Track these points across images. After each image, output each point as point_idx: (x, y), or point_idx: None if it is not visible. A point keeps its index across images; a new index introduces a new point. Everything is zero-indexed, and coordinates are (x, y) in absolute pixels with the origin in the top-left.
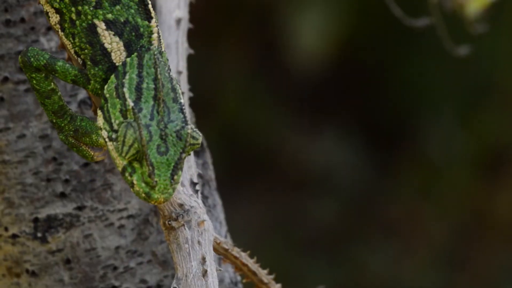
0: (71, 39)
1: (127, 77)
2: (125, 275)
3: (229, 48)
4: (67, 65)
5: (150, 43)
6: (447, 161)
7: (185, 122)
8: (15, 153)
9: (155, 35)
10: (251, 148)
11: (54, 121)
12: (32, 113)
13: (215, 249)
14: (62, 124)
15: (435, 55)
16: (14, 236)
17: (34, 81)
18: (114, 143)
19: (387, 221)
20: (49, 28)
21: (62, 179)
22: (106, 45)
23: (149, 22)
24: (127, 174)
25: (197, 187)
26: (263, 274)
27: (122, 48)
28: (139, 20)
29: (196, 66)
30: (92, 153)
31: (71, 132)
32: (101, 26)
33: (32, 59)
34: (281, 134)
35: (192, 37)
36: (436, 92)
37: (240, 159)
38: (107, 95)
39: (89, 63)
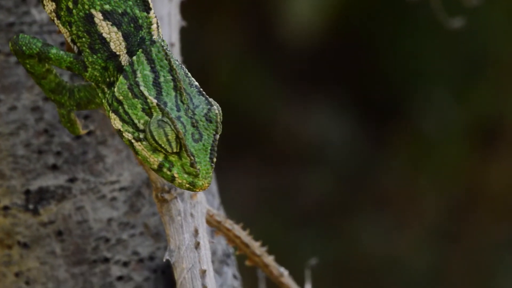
0: (67, 27)
1: (139, 75)
2: (117, 247)
3: (222, 20)
4: (61, 52)
5: (150, 34)
6: (441, 134)
7: (209, 103)
8: (6, 125)
9: (154, 26)
10: (244, 121)
11: (53, 98)
12: (24, 85)
13: (207, 222)
14: (62, 101)
15: (429, 27)
16: (5, 208)
17: (28, 66)
18: (144, 142)
19: (380, 195)
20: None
21: (53, 151)
22: (105, 35)
23: (148, 13)
24: (165, 170)
25: None
26: (255, 246)
27: (121, 38)
28: (137, 11)
29: (189, 39)
30: (81, 131)
31: (74, 107)
32: (98, 16)
33: (24, 48)
34: (275, 108)
35: (185, 9)
36: (430, 65)
37: (233, 132)
38: (121, 98)
39: (87, 50)
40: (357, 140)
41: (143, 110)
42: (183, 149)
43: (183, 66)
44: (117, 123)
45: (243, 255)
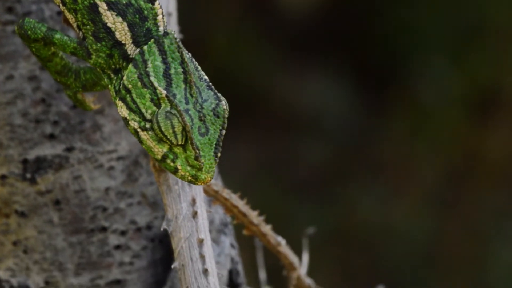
0: (73, 14)
1: (150, 65)
2: (115, 216)
3: None
4: (65, 37)
5: (156, 25)
6: (438, 101)
7: (218, 98)
8: (3, 94)
9: (160, 17)
10: (241, 89)
11: (59, 80)
12: (21, 54)
13: (205, 191)
14: (68, 82)
15: None
16: (3, 177)
17: (34, 49)
18: (150, 132)
19: (377, 162)
20: None
21: (51, 121)
22: (109, 25)
23: (153, 4)
24: (169, 161)
25: None
26: (253, 215)
27: (127, 28)
28: (142, 2)
29: (186, 8)
30: (93, 106)
31: (79, 89)
32: (102, 6)
33: (29, 32)
34: (272, 76)
35: None
36: (428, 32)
37: (230, 100)
38: (129, 86)
39: (90, 38)
40: (354, 108)
41: (152, 100)
42: (189, 142)
43: (194, 60)
44: (123, 111)
45: (240, 225)
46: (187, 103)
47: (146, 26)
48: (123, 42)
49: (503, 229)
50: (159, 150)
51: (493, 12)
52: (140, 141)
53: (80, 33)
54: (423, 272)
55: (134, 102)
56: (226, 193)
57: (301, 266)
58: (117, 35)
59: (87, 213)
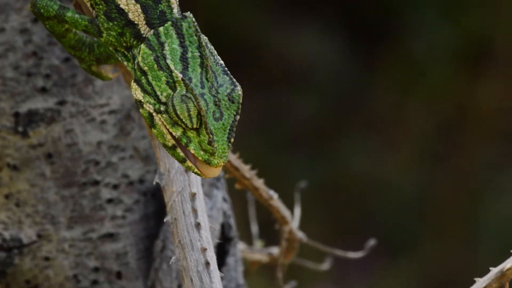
0: None
1: (167, 47)
2: (107, 170)
3: None
4: (77, 15)
5: (169, 7)
6: (431, 55)
7: (234, 83)
8: None
9: (173, 0)
10: (233, 44)
11: (73, 54)
12: (12, 6)
13: None
14: (82, 56)
15: None
16: None
17: (48, 26)
18: (164, 115)
19: (369, 116)
20: None
21: (42, 74)
22: (122, 6)
23: None
24: (178, 150)
25: None
26: (245, 169)
27: (140, 10)
28: None
29: None
30: (110, 75)
31: (94, 62)
32: None
33: (42, 11)
34: (265, 30)
35: None
36: None
37: (222, 55)
38: (145, 68)
39: (102, 17)
40: (347, 62)
41: (167, 83)
42: (203, 126)
43: (210, 44)
44: (138, 94)
45: (232, 179)
46: (202, 87)
47: (159, 8)
48: (136, 22)
49: (495, 182)
50: (174, 133)
51: None
52: (153, 125)
53: (93, 12)
54: (415, 225)
55: (149, 84)
56: None
57: (293, 220)
58: (130, 15)
59: (79, 166)
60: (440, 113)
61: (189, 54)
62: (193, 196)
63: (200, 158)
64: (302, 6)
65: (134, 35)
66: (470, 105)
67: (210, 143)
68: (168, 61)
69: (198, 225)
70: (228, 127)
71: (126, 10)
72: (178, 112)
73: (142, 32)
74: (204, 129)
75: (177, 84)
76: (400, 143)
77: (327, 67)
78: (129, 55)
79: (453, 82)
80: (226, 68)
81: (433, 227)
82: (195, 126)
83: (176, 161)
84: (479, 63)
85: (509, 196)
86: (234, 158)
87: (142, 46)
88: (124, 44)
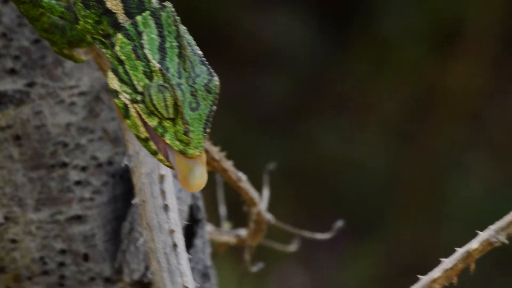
0: None
1: (145, 37)
2: (76, 152)
3: None
4: (53, 1)
5: None
6: (401, 35)
7: (211, 74)
8: None
9: None
10: (203, 25)
11: (45, 37)
12: None
13: None
14: (55, 39)
15: None
16: None
17: (23, 10)
18: (141, 105)
19: (340, 96)
20: None
21: (12, 55)
22: None
23: None
24: (151, 143)
25: None
26: (214, 151)
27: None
28: None
29: None
30: (83, 57)
31: (66, 45)
32: None
33: None
34: (235, 11)
35: None
36: None
37: (193, 35)
38: (123, 57)
39: (79, 4)
40: (317, 43)
41: (144, 73)
42: (179, 116)
43: (188, 34)
44: (114, 83)
45: None
46: (179, 77)
47: None
48: (114, 11)
49: (462, 161)
50: (150, 123)
51: None
52: (128, 116)
53: None
54: (383, 206)
55: (127, 74)
56: None
57: (262, 201)
58: (108, 4)
59: (48, 148)
60: (410, 93)
61: (167, 44)
62: (161, 178)
63: (175, 148)
64: None
65: (112, 23)
66: (439, 85)
67: (186, 133)
68: (146, 51)
69: (166, 207)
70: (204, 118)
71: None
72: (155, 102)
73: (120, 21)
74: (180, 119)
75: (154, 74)
76: (370, 123)
77: (297, 48)
78: (107, 42)
79: (422, 63)
80: (204, 59)
81: (401, 207)
82: (171, 116)
83: None
84: (449, 43)
85: (476, 176)
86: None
87: (120, 35)
88: (101, 32)
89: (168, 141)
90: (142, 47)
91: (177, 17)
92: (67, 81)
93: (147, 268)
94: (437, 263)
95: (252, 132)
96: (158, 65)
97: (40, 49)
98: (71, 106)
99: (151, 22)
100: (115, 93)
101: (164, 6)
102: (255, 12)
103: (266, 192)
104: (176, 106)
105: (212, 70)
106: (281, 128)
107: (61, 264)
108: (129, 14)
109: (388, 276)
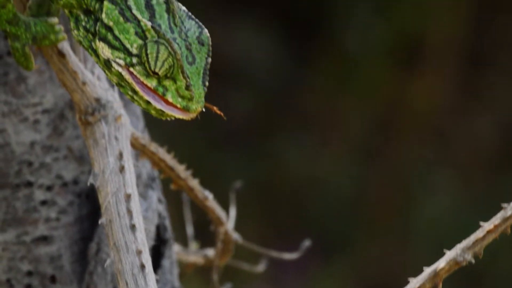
0: None
1: None
2: (41, 171)
3: None
4: None
5: None
6: (364, 51)
7: (200, 26)
8: None
9: None
10: None
11: (9, 30)
12: None
13: (132, 145)
14: (19, 33)
15: None
16: None
17: None
18: (137, 67)
19: (304, 113)
20: None
21: None
22: None
23: None
24: (155, 104)
25: None
26: (180, 169)
27: None
28: None
29: None
30: (34, 65)
31: (29, 41)
32: None
33: None
34: None
35: None
36: None
37: None
38: (110, 23)
39: None
40: (281, 58)
41: (136, 34)
42: (179, 70)
43: None
44: (105, 52)
45: (168, 179)
46: (172, 32)
47: None
48: None
49: (428, 178)
50: (149, 84)
51: None
52: (123, 84)
53: None
54: (349, 224)
55: (117, 39)
56: (153, 146)
57: (229, 220)
58: None
59: (12, 167)
60: (374, 109)
61: (154, 1)
62: (128, 197)
63: (178, 105)
64: (237, 2)
65: None
66: (403, 101)
67: (188, 87)
68: (134, 11)
69: (133, 227)
70: (202, 71)
71: None
72: (159, 55)
73: None
74: (180, 74)
75: (147, 33)
76: (334, 139)
77: (261, 63)
78: (83, 19)
79: (386, 78)
80: (189, 13)
81: (368, 225)
82: (173, 71)
83: (110, 161)
84: (412, 59)
85: (441, 193)
86: (169, 158)
87: (105, 2)
88: (84, 7)
89: (170, 100)
90: (129, 8)
91: None
92: (31, 98)
93: None
94: (405, 282)
95: (218, 150)
96: (149, 23)
97: (2, 65)
98: (35, 124)
99: None
100: (107, 63)
101: None
102: (220, 29)
103: (233, 211)
104: (174, 60)
105: (200, 23)
106: (247, 146)
107: (28, 286)
108: None
109: None
